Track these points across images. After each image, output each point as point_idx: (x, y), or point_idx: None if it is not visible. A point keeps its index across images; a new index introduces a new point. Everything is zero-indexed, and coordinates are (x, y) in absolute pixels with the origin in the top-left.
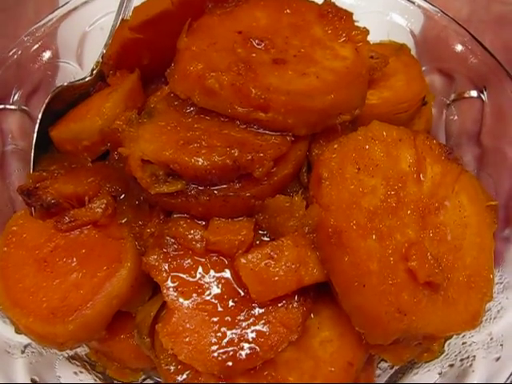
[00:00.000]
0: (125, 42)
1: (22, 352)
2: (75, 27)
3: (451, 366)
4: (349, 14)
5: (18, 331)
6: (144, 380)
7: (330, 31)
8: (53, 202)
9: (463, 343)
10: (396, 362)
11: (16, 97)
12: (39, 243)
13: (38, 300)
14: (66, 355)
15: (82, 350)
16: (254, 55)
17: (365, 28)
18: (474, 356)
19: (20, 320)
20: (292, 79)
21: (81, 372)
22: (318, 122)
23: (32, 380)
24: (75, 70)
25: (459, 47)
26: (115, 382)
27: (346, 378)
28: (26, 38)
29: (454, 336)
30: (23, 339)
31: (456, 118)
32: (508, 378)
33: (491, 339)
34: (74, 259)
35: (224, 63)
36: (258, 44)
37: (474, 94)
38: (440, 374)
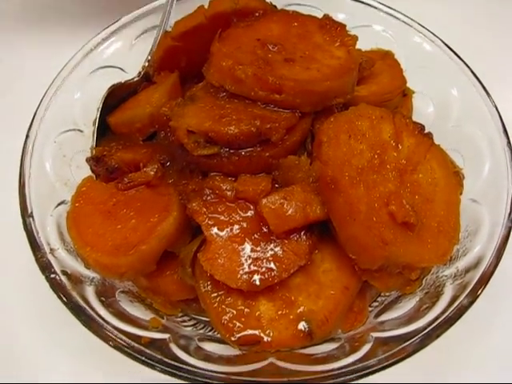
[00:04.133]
0: (167, 49)
1: (91, 282)
2: (124, 40)
3: (427, 293)
4: (343, 25)
5: (87, 266)
6: (182, 316)
7: (327, 38)
8: (116, 166)
9: (437, 277)
10: (383, 289)
11: (78, 94)
12: (104, 199)
13: (105, 240)
14: (122, 289)
15: (133, 289)
16: (270, 55)
17: (355, 35)
18: (444, 283)
19: (90, 255)
20: (299, 72)
21: (135, 301)
22: (318, 102)
23: (100, 300)
24: (124, 73)
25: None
26: (160, 313)
27: (343, 299)
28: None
29: (430, 273)
30: (90, 273)
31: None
32: (469, 285)
33: (457, 270)
34: (132, 210)
35: (248, 60)
36: (272, 48)
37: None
38: (418, 300)
